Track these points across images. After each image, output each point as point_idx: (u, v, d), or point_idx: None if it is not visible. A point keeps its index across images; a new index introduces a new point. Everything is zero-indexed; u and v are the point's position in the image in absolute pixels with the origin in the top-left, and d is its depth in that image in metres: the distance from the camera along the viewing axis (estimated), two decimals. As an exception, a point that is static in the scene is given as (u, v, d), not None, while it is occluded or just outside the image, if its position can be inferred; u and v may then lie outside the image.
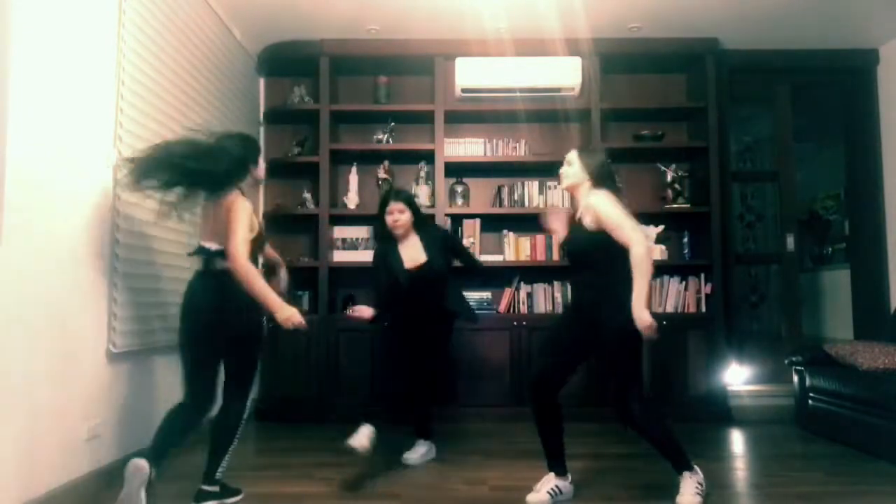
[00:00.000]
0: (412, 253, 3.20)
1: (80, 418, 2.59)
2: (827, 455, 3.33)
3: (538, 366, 2.70)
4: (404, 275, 3.14)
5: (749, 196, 5.63)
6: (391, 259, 3.19)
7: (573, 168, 2.66)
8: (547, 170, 4.52)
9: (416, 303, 3.17)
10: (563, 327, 2.70)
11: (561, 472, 2.62)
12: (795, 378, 3.97)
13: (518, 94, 4.33)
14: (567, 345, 2.61)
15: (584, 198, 2.60)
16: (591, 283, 2.55)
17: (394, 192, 3.27)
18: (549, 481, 2.60)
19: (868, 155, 4.65)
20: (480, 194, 4.61)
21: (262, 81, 4.72)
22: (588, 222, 2.53)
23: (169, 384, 3.31)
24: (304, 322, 2.43)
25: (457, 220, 4.45)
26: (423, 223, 3.28)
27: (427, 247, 3.20)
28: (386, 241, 3.27)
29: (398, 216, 3.16)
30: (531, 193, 4.47)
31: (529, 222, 4.53)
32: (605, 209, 2.48)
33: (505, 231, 4.46)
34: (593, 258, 2.53)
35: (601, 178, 2.60)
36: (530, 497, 2.56)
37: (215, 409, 2.57)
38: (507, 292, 4.39)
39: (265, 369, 4.29)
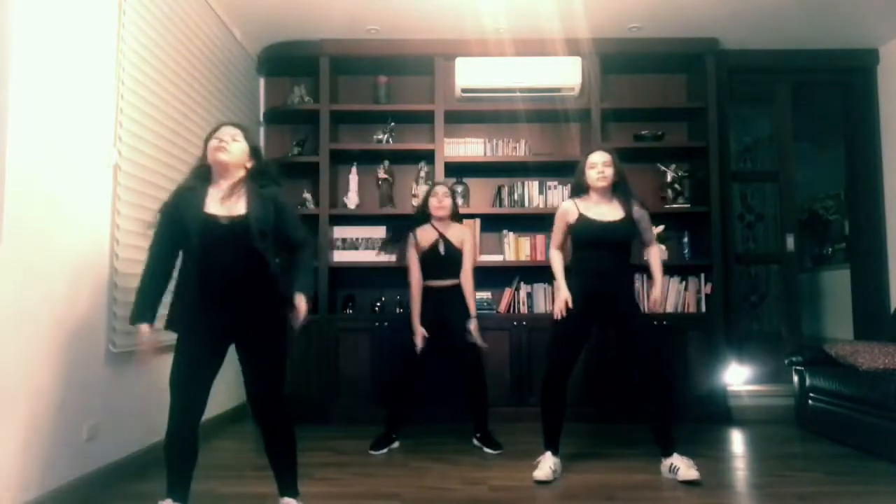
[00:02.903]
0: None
1: (80, 418, 2.59)
2: (827, 455, 3.33)
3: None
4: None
5: (749, 196, 5.63)
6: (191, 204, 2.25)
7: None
8: (547, 170, 4.53)
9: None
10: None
11: (556, 452, 2.99)
12: (795, 378, 3.97)
13: (518, 94, 4.33)
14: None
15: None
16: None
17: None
18: (549, 459, 2.93)
19: (868, 155, 4.65)
20: (480, 194, 4.61)
21: (262, 81, 4.72)
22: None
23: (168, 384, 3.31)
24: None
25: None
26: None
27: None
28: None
29: (227, 139, 2.27)
30: (531, 193, 4.46)
31: (529, 222, 4.54)
32: None
33: (505, 231, 4.46)
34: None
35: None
36: (536, 473, 2.85)
37: None
38: (507, 292, 4.39)
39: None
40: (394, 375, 3.55)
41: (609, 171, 2.95)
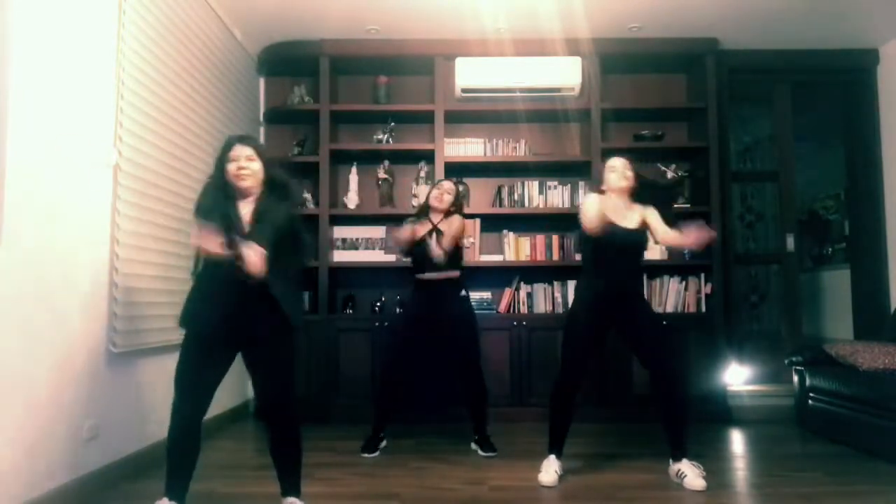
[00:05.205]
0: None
1: (80, 418, 2.59)
2: (827, 455, 3.33)
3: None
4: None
5: (749, 196, 5.63)
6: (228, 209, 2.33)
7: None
8: (547, 170, 4.53)
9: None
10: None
11: (560, 455, 2.97)
12: (795, 378, 3.97)
13: (518, 94, 4.33)
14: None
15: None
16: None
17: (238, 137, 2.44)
18: (553, 462, 2.91)
19: (868, 155, 4.65)
20: (480, 194, 4.61)
21: (262, 81, 4.72)
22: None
23: (169, 384, 3.31)
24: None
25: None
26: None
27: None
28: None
29: (246, 164, 2.32)
30: (531, 193, 4.46)
31: (529, 222, 4.55)
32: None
33: (505, 231, 4.46)
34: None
35: None
36: (542, 476, 2.85)
37: None
38: (507, 292, 4.39)
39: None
40: (382, 370, 3.54)
41: (630, 174, 2.98)
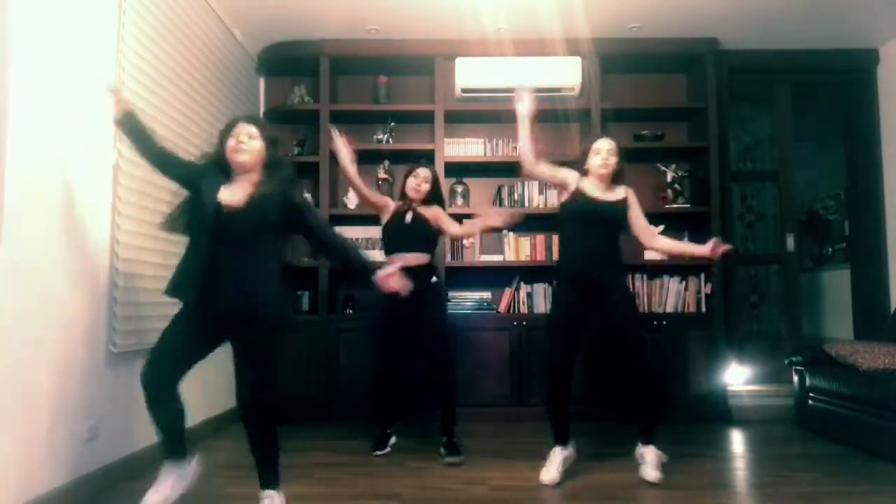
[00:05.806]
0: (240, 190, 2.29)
1: (80, 418, 2.59)
2: (827, 455, 3.33)
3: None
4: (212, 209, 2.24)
5: (749, 196, 5.64)
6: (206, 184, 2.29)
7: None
8: (547, 170, 4.53)
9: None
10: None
11: (566, 445, 2.95)
12: (795, 378, 3.97)
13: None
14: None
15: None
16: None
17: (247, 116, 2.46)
18: (558, 454, 2.90)
19: (868, 155, 4.65)
20: (480, 194, 4.61)
21: (262, 81, 4.72)
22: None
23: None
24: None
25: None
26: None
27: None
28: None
29: (246, 139, 2.29)
30: (531, 193, 4.47)
31: (530, 222, 4.52)
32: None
33: (505, 231, 4.45)
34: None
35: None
36: (543, 475, 2.83)
37: None
38: (507, 292, 4.39)
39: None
40: (375, 368, 3.53)
41: (613, 160, 2.93)
